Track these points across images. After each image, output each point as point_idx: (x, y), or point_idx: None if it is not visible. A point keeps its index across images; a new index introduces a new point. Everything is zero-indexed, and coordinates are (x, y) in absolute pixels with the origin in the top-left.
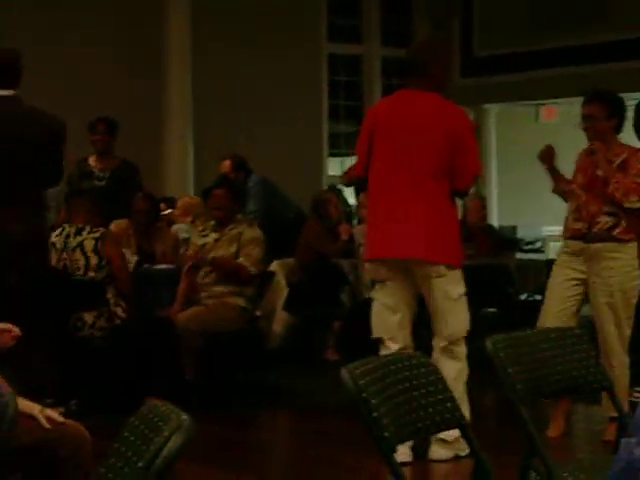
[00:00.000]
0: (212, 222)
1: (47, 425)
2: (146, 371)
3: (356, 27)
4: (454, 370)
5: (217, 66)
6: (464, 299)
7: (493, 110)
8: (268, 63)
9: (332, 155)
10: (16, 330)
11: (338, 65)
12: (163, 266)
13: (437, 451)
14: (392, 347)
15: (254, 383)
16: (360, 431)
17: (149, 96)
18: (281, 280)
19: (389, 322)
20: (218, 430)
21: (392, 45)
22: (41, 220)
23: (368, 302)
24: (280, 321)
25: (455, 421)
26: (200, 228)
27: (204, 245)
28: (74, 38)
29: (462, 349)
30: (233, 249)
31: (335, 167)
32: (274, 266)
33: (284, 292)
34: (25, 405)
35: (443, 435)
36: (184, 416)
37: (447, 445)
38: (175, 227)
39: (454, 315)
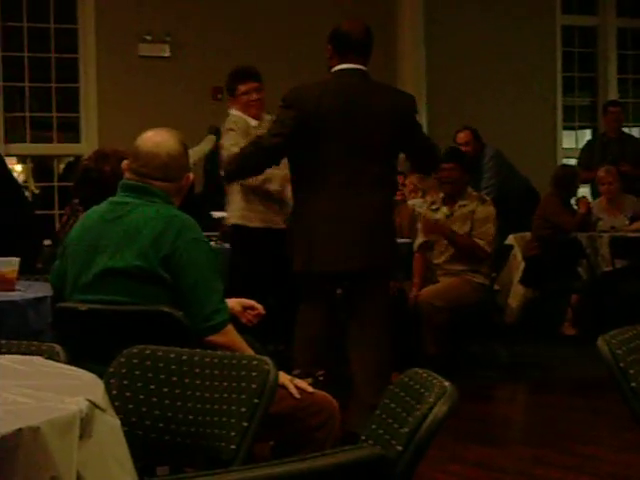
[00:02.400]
0: (441, 195)
1: (298, 395)
2: None
3: None
4: None
5: (449, 37)
6: None
7: None
8: (502, 34)
9: (566, 129)
10: (260, 308)
11: (573, 36)
12: (400, 240)
13: None
14: None
15: (491, 357)
16: (598, 404)
17: (382, 71)
18: (518, 254)
19: None
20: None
21: (628, 16)
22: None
23: (606, 276)
24: (516, 295)
25: None
26: (431, 200)
27: (436, 222)
28: (297, 15)
29: None
30: (467, 227)
31: (570, 140)
32: (511, 240)
33: (521, 266)
34: None
35: None
36: (447, 383)
37: None
38: (411, 202)
39: None
